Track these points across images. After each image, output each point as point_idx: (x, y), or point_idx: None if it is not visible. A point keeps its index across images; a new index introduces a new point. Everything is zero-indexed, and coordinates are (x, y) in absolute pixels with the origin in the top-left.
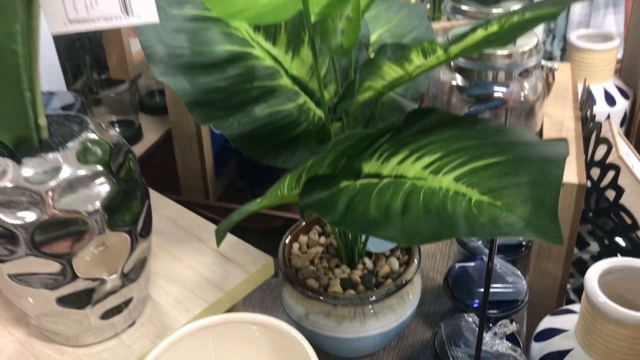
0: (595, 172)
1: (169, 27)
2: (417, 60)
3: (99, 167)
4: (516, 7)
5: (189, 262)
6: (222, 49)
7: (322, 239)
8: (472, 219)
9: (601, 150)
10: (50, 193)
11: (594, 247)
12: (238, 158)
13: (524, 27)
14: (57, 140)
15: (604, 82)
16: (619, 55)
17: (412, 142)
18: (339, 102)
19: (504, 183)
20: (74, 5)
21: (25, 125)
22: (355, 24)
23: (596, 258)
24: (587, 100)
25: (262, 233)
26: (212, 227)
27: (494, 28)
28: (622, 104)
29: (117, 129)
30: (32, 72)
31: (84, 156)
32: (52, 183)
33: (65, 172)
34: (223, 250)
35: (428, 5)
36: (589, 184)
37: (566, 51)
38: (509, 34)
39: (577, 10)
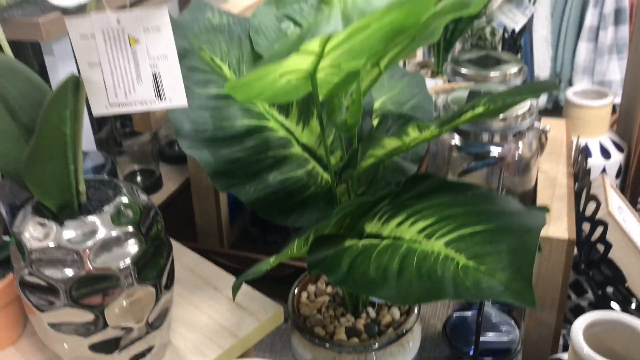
0: (587, 226)
1: (195, 105)
2: (413, 134)
3: (130, 228)
4: (513, 70)
5: (206, 309)
6: (241, 123)
7: (329, 289)
8: (459, 282)
9: (592, 205)
10: (87, 252)
11: (591, 294)
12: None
13: (507, 108)
14: (94, 204)
15: (599, 136)
16: (618, 99)
17: (410, 206)
18: (344, 169)
19: (487, 250)
20: (115, 92)
21: (68, 192)
22: (357, 106)
23: (593, 305)
24: (581, 156)
25: (273, 280)
26: (227, 276)
27: (479, 110)
28: (617, 157)
29: (139, 178)
30: (76, 147)
31: (117, 218)
32: (89, 243)
33: (101, 233)
34: (237, 299)
35: (433, 59)
36: (583, 235)
37: (563, 106)
38: (494, 114)
39: (582, 56)
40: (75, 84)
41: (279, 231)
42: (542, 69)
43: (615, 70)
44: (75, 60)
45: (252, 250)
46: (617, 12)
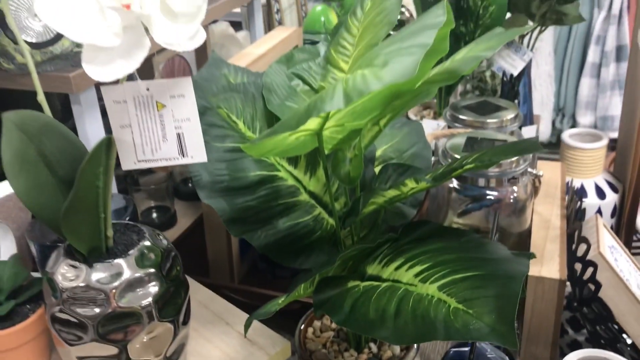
0: (579, 265)
1: (213, 158)
2: (410, 185)
3: (152, 270)
4: (510, 116)
5: (218, 343)
6: (253, 174)
7: (334, 325)
8: (449, 324)
9: (583, 247)
10: (113, 291)
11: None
12: None
13: (493, 164)
14: (120, 247)
15: (594, 177)
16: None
17: (408, 250)
18: (347, 216)
19: (475, 294)
20: (143, 150)
21: (98, 237)
22: (358, 160)
23: (589, 340)
24: (574, 198)
25: (281, 313)
26: (238, 312)
27: (469, 167)
28: (612, 197)
29: (155, 214)
30: (106, 198)
31: (141, 261)
32: (116, 283)
33: (126, 275)
34: (247, 334)
35: (435, 100)
36: (577, 274)
37: (560, 148)
38: (483, 169)
39: (584, 92)
40: (107, 144)
41: (287, 267)
42: (546, 103)
43: (617, 105)
44: (100, 109)
45: (260, 285)
46: (619, 50)
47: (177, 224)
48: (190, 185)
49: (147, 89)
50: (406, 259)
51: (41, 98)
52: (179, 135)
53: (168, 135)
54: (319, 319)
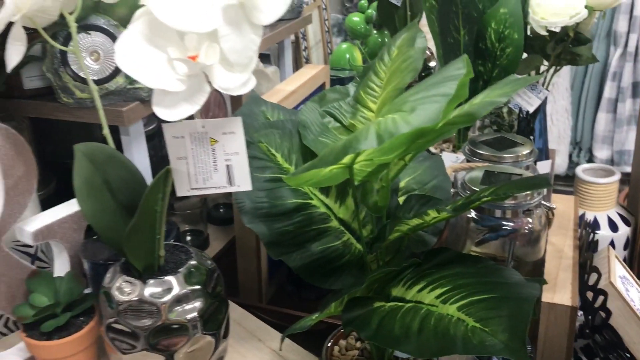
0: (591, 294)
1: (254, 187)
2: (432, 214)
3: (199, 287)
4: (525, 152)
5: (251, 358)
6: (290, 202)
7: (358, 344)
8: (467, 340)
9: (594, 276)
10: (164, 305)
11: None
12: (288, 266)
13: (508, 197)
14: (170, 266)
15: (607, 210)
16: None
17: (430, 275)
18: (374, 242)
19: (491, 315)
20: (196, 179)
21: (152, 256)
22: (385, 191)
23: None
24: (586, 230)
25: (308, 333)
26: (269, 329)
27: (487, 199)
28: (625, 230)
29: (189, 237)
30: (161, 221)
31: (189, 278)
32: (166, 298)
33: (176, 290)
34: (278, 350)
35: (455, 135)
36: (589, 302)
37: (574, 183)
38: (499, 201)
39: (601, 126)
40: (166, 174)
41: (312, 289)
42: (563, 137)
43: (633, 140)
44: (147, 140)
45: (287, 306)
46: (635, 86)
47: (209, 247)
48: (221, 210)
49: (203, 127)
50: (428, 282)
51: (106, 132)
52: (228, 167)
53: (219, 166)
54: (344, 339)
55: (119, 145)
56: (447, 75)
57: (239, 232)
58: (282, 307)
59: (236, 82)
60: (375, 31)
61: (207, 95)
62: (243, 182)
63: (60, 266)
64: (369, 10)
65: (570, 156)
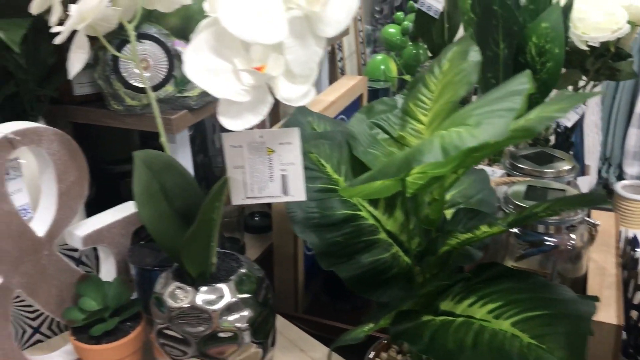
0: (635, 313)
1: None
2: (484, 229)
3: (249, 296)
4: (566, 167)
5: None
6: (340, 213)
7: (400, 357)
8: (524, 357)
9: (639, 294)
10: (215, 313)
11: None
12: (324, 276)
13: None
14: (222, 274)
15: None
16: None
17: (480, 289)
18: (423, 255)
19: (547, 331)
20: (252, 188)
21: (205, 263)
22: (439, 204)
23: None
24: (629, 247)
25: (347, 345)
26: (310, 339)
27: (542, 215)
28: None
29: (226, 245)
30: (217, 228)
31: (240, 287)
32: (218, 306)
33: (227, 298)
34: None
35: None
36: (632, 321)
37: (613, 199)
38: (554, 216)
39: (632, 142)
40: (223, 183)
41: (348, 300)
42: (592, 153)
43: None
44: (192, 147)
45: (322, 316)
46: None
47: (245, 255)
48: (257, 219)
49: (261, 136)
50: (478, 297)
51: (163, 140)
52: (283, 177)
53: (274, 176)
54: (385, 351)
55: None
56: (510, 90)
57: (277, 240)
58: (317, 317)
59: (298, 93)
60: (410, 43)
61: (270, 106)
62: (298, 192)
63: (107, 271)
64: (405, 22)
65: (599, 172)
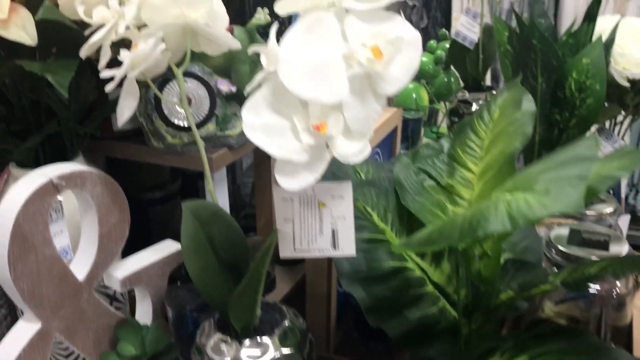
0: None
1: None
2: (541, 289)
3: (293, 350)
4: (609, 210)
5: None
6: (387, 265)
7: None
8: None
9: None
10: None
11: None
12: (355, 313)
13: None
14: (265, 326)
15: None
16: None
17: (531, 348)
18: (472, 310)
19: None
20: (300, 241)
21: (251, 315)
22: (494, 262)
23: None
24: None
25: None
26: None
27: (600, 274)
28: None
29: None
30: (262, 282)
31: (284, 340)
32: None
33: (271, 353)
34: None
35: None
36: None
37: None
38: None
39: None
40: (274, 237)
41: (381, 339)
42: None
43: None
44: (227, 185)
45: (354, 356)
46: None
47: (276, 289)
48: None
49: (312, 190)
50: (530, 356)
51: (210, 188)
52: (333, 231)
53: (324, 230)
54: None
55: (201, 191)
56: (578, 154)
57: (311, 277)
58: (349, 357)
59: (354, 149)
60: (442, 71)
61: (327, 164)
62: (347, 247)
63: (143, 311)
64: (439, 52)
65: (626, 198)
